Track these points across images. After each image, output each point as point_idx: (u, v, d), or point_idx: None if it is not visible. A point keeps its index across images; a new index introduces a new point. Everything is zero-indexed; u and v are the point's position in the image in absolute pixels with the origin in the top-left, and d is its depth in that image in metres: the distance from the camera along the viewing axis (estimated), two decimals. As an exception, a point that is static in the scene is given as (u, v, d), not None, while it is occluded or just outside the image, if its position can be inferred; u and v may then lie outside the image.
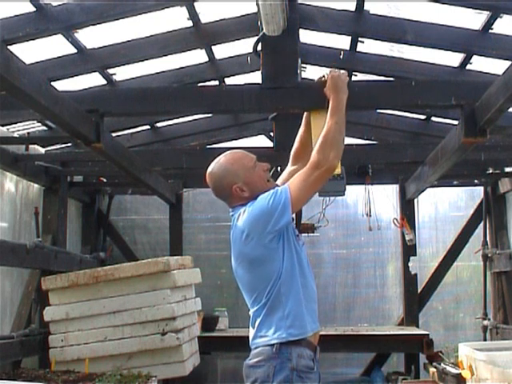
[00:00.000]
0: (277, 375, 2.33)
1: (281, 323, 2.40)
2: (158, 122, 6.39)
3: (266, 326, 2.45)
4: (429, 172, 5.26)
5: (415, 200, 6.68)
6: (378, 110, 6.14)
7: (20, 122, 5.16)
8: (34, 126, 5.51)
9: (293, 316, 2.41)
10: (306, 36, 5.02)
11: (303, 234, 6.14)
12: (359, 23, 4.71)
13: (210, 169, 2.68)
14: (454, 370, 4.52)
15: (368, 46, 5.08)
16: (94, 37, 4.52)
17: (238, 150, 2.74)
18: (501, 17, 4.28)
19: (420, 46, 4.85)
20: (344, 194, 5.22)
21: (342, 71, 2.87)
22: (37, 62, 4.50)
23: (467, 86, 4.00)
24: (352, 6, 4.60)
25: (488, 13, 4.28)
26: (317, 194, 5.15)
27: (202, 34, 4.79)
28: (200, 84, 5.49)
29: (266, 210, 2.43)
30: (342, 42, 5.10)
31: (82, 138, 3.97)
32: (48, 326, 4.86)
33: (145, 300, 4.69)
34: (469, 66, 4.98)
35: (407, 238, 6.50)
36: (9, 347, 4.51)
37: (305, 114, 3.06)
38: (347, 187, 5.10)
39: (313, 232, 6.29)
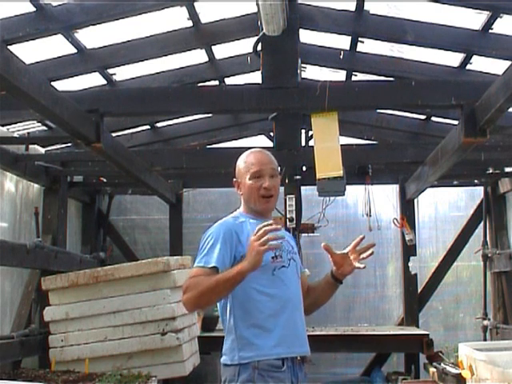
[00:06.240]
0: (241, 374, 2.44)
1: (233, 345, 2.50)
2: (158, 122, 6.39)
3: (227, 342, 2.54)
4: (429, 172, 5.26)
5: (415, 200, 6.68)
6: (378, 110, 6.14)
7: (20, 121, 5.16)
8: (34, 126, 5.50)
9: (244, 340, 2.47)
10: (306, 36, 5.02)
11: (303, 234, 6.15)
12: (359, 23, 4.71)
13: None
14: (453, 370, 4.51)
15: (368, 45, 5.08)
16: (94, 37, 4.52)
17: (261, 150, 2.68)
18: (501, 17, 4.28)
19: (420, 46, 4.85)
20: (344, 194, 5.22)
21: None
22: (37, 62, 4.50)
23: (467, 86, 4.01)
24: (352, 6, 4.60)
25: (488, 13, 4.29)
26: (317, 193, 5.19)
27: (202, 34, 4.79)
28: (200, 84, 5.48)
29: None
30: (342, 42, 5.10)
31: (82, 138, 3.97)
32: (48, 325, 4.85)
33: (145, 300, 4.69)
34: (469, 66, 4.98)
35: (407, 238, 6.49)
36: (9, 347, 4.51)
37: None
38: (347, 187, 5.10)
39: (313, 232, 6.29)
